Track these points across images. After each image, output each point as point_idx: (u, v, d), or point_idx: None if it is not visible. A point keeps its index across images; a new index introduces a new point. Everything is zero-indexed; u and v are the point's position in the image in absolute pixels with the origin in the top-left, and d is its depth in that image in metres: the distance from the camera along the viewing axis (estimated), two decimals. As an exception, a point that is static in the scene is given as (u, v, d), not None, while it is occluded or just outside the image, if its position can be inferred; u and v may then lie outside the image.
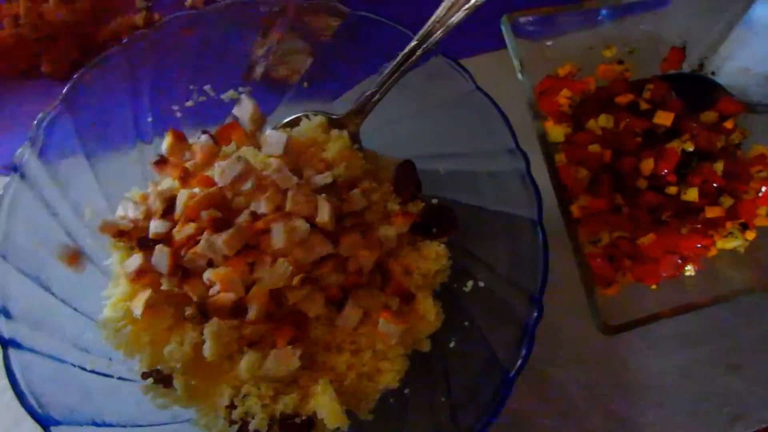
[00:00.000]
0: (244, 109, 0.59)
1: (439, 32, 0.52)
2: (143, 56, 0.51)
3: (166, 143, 0.56)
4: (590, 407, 0.68)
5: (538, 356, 0.68)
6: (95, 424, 0.47)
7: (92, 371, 0.51)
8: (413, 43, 0.53)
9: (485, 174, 0.57)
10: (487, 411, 0.47)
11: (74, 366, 0.50)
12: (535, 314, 0.49)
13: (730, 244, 0.66)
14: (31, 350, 0.48)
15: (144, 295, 0.54)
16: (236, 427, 0.54)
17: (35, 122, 0.48)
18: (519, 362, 0.48)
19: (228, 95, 0.60)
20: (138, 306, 0.53)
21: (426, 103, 0.58)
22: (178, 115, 0.59)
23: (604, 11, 0.68)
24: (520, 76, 0.61)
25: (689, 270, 0.64)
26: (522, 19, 0.62)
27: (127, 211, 0.55)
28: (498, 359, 0.51)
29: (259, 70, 0.59)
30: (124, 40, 0.49)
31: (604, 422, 0.68)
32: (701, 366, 0.71)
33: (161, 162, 0.57)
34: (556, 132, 0.65)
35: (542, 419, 0.67)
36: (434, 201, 0.59)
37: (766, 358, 0.72)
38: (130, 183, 0.58)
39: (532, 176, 0.52)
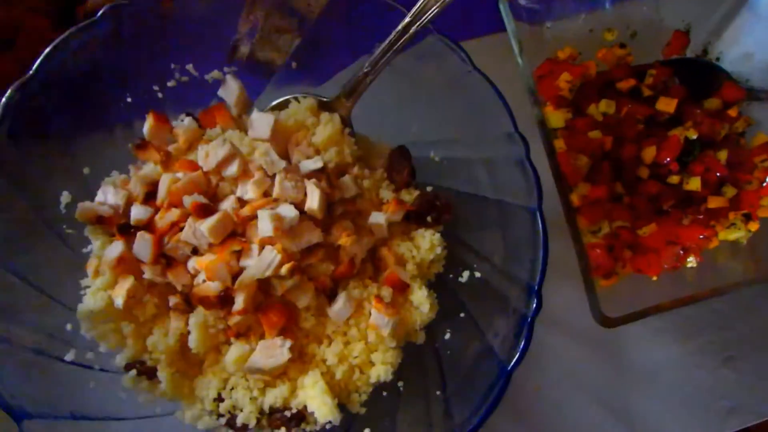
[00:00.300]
0: (230, 91, 0.56)
1: (434, 8, 0.49)
2: (119, 30, 0.48)
3: (147, 126, 0.54)
4: (586, 398, 0.67)
5: (534, 347, 0.68)
6: (73, 417, 0.45)
7: (72, 362, 0.49)
8: (406, 20, 0.50)
9: (483, 160, 0.55)
10: (483, 406, 0.46)
11: (52, 357, 0.48)
12: (534, 307, 0.48)
13: (733, 235, 0.64)
14: (6, 341, 0.46)
15: (126, 284, 0.51)
16: (223, 420, 0.52)
17: (3, 100, 0.45)
18: (517, 356, 0.47)
19: (212, 75, 0.57)
20: (119, 296, 0.51)
21: (420, 85, 0.56)
22: (160, 95, 0.56)
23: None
24: (519, 59, 0.58)
25: (690, 261, 0.62)
26: (521, 1, 0.60)
27: (106, 197, 0.53)
28: (494, 352, 0.49)
29: (244, 50, 0.56)
30: (99, 12, 0.46)
31: (600, 414, 0.67)
32: (698, 358, 0.70)
33: (142, 145, 0.54)
34: (556, 117, 0.63)
35: (538, 410, 0.66)
36: (429, 189, 0.57)
37: (763, 351, 0.71)
38: (110, 168, 0.55)
39: (531, 162, 0.50)
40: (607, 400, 0.68)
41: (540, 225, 0.49)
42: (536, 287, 0.48)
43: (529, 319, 0.47)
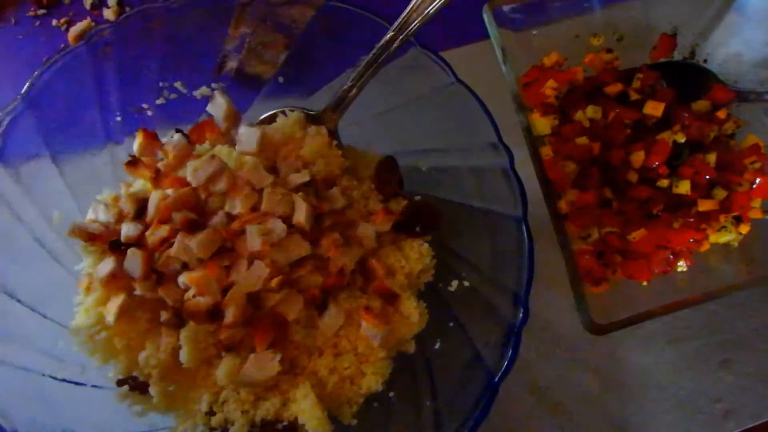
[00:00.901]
0: (218, 106, 0.56)
1: (416, 22, 0.49)
2: (108, 51, 0.49)
3: (137, 143, 0.54)
4: (581, 405, 0.67)
5: (528, 354, 0.68)
6: (65, 434, 0.46)
7: (64, 380, 0.50)
8: (390, 34, 0.51)
9: (468, 170, 0.55)
10: (471, 417, 0.46)
11: (44, 375, 0.48)
12: (521, 316, 0.48)
13: (724, 238, 0.64)
14: (-1, 360, 0.47)
15: (117, 300, 0.52)
16: (215, 433, 0.52)
17: (-7, 123, 0.46)
18: (505, 366, 0.47)
19: (200, 92, 0.58)
20: (111, 312, 0.51)
21: (405, 97, 0.56)
22: (149, 113, 0.57)
23: (591, -2, 0.66)
24: (503, 66, 0.59)
25: (681, 266, 0.62)
26: (505, 7, 0.60)
27: (97, 214, 0.53)
28: (483, 361, 0.49)
29: (231, 65, 0.57)
30: (89, 34, 0.47)
31: (596, 420, 0.67)
32: (693, 361, 0.70)
33: (133, 162, 0.55)
34: (543, 124, 0.63)
35: (532, 418, 0.66)
36: (417, 198, 0.57)
37: (759, 353, 0.71)
38: (101, 185, 0.56)
39: (515, 171, 0.50)
40: (602, 406, 0.67)
41: (525, 234, 0.49)
42: (523, 296, 0.48)
43: (517, 329, 0.47)
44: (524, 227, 0.49)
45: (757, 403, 0.69)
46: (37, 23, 0.72)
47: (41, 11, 0.72)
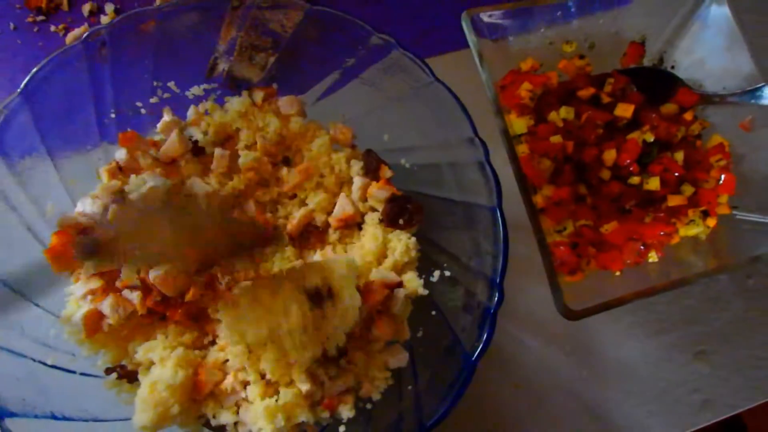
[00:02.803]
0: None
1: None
2: (104, 51, 0.52)
3: (121, 153, 0.57)
4: (560, 395, 0.69)
5: (509, 344, 0.70)
6: (54, 417, 0.47)
7: (54, 366, 0.51)
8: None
9: (448, 165, 0.58)
10: (449, 396, 0.48)
11: (35, 361, 0.49)
12: (496, 299, 0.50)
13: (692, 231, 0.67)
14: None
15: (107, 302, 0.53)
16: (202, 420, 0.53)
17: (-10, 119, 0.48)
18: (480, 347, 0.49)
19: (192, 92, 0.60)
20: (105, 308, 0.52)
21: (389, 96, 0.59)
22: (143, 111, 0.59)
23: (566, 7, 0.70)
24: (481, 71, 0.62)
25: (652, 257, 0.65)
26: (482, 15, 0.64)
27: (84, 207, 0.55)
28: (461, 345, 0.51)
29: (222, 67, 0.60)
30: (84, 36, 0.50)
31: (575, 410, 0.69)
32: (670, 352, 0.72)
33: (115, 170, 0.57)
34: (519, 124, 0.67)
35: (512, 406, 0.67)
36: (400, 193, 0.60)
37: (733, 344, 0.73)
38: (95, 181, 0.58)
39: (491, 164, 0.53)
40: (583, 396, 0.69)
41: (500, 222, 0.51)
42: (498, 280, 0.50)
43: (492, 311, 0.50)
44: (499, 215, 0.52)
45: (733, 394, 0.72)
46: (36, 29, 0.75)
47: (40, 17, 0.75)
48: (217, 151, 0.59)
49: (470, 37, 0.63)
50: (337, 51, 0.58)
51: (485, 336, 0.49)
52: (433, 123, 0.57)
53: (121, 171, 0.59)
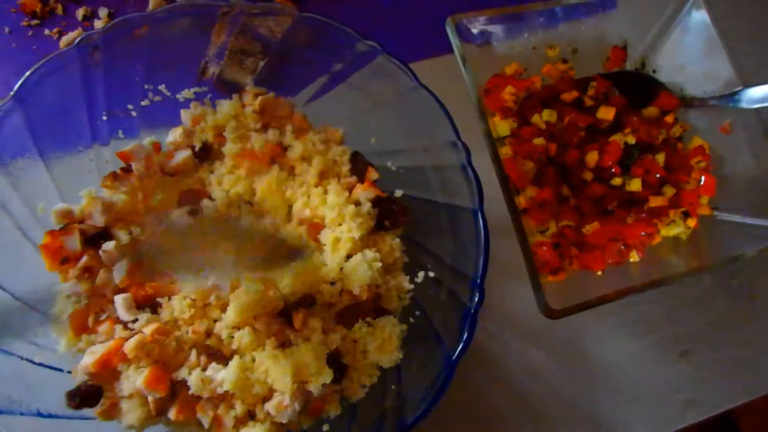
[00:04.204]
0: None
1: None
2: (96, 55, 0.53)
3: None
4: (548, 394, 0.69)
5: (494, 345, 0.71)
6: (40, 415, 0.48)
7: (41, 364, 0.52)
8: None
9: (432, 168, 0.60)
10: (429, 396, 0.49)
11: (22, 359, 0.50)
12: (477, 299, 0.51)
13: (673, 231, 0.68)
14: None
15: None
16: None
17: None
18: (460, 347, 0.50)
19: (183, 95, 0.62)
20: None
21: (374, 100, 0.61)
22: (134, 114, 0.61)
23: (549, 14, 0.72)
24: (465, 75, 0.64)
25: (634, 257, 0.66)
26: (466, 21, 0.66)
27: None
28: (443, 345, 0.52)
29: (213, 71, 0.61)
30: (77, 40, 0.51)
31: (562, 408, 0.70)
32: (654, 353, 0.73)
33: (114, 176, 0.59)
34: (503, 126, 0.68)
35: (497, 406, 0.68)
36: (385, 195, 0.61)
37: (717, 344, 0.74)
38: (86, 183, 0.59)
39: (472, 166, 0.54)
40: (568, 396, 0.70)
41: (481, 224, 0.53)
42: (479, 281, 0.51)
43: (472, 312, 0.51)
44: (480, 217, 0.53)
45: (716, 393, 0.73)
46: (31, 33, 0.76)
47: (35, 21, 0.76)
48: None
49: (454, 42, 0.65)
50: (325, 56, 0.59)
51: (465, 336, 0.50)
52: (417, 126, 0.58)
53: (116, 179, 0.60)
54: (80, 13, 0.77)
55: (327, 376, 0.51)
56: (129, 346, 0.51)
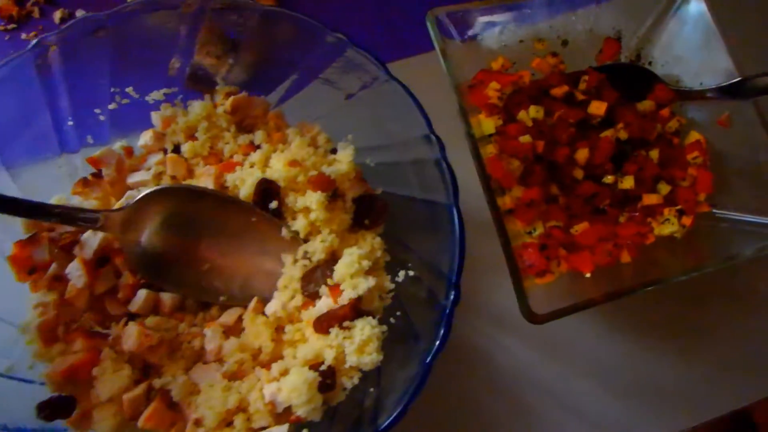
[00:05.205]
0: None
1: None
2: (55, 57, 0.51)
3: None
4: (541, 396, 0.67)
5: (484, 343, 0.68)
6: (6, 429, 0.46)
7: (9, 377, 0.50)
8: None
9: (410, 163, 0.57)
10: (404, 398, 0.46)
11: (-12, 371, 0.49)
12: (452, 298, 0.49)
13: (667, 230, 0.65)
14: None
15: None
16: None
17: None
18: (435, 348, 0.47)
19: (152, 96, 0.60)
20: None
21: (347, 96, 0.58)
22: (102, 118, 0.59)
23: (535, 5, 0.69)
24: (446, 71, 0.61)
25: (625, 257, 0.63)
26: (448, 15, 0.63)
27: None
28: (421, 345, 0.50)
29: (180, 69, 0.59)
30: (34, 42, 0.49)
31: (556, 411, 0.67)
32: (650, 354, 0.70)
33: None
34: (487, 124, 0.65)
35: (487, 405, 0.66)
36: (364, 192, 0.59)
37: (715, 346, 0.71)
38: (57, 191, 0.58)
39: (447, 161, 0.52)
40: (561, 397, 0.67)
41: (456, 220, 0.50)
42: (455, 279, 0.49)
43: (448, 311, 0.48)
44: (455, 214, 0.50)
45: (714, 396, 0.69)
46: (8, 37, 0.75)
47: (11, 26, 0.75)
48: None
49: (434, 37, 0.62)
50: (295, 51, 0.57)
51: (440, 336, 0.47)
52: (392, 121, 0.56)
53: (87, 185, 0.59)
54: (57, 15, 0.76)
55: (317, 404, 0.49)
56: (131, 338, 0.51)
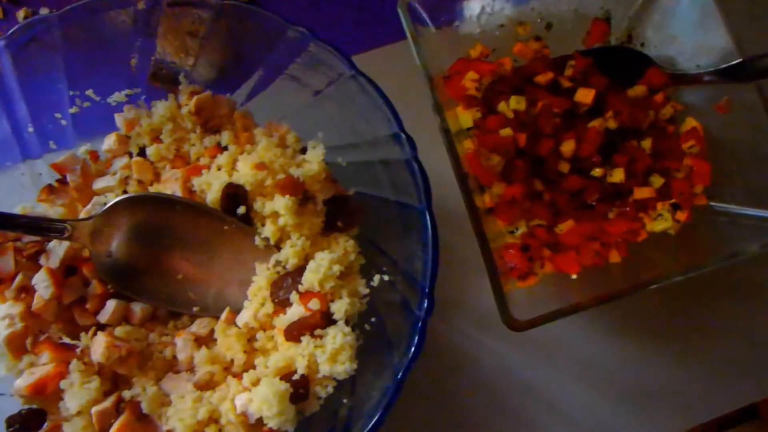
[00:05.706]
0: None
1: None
2: (5, 63, 0.49)
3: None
4: (530, 399, 0.65)
5: (469, 346, 0.66)
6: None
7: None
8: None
9: (380, 163, 0.54)
10: (378, 410, 0.44)
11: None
12: (426, 307, 0.46)
13: (660, 226, 0.61)
14: None
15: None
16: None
17: None
18: (407, 362, 0.45)
19: (114, 98, 0.58)
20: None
21: (314, 92, 0.56)
22: (64, 123, 0.57)
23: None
24: (418, 62, 0.58)
25: (614, 257, 0.60)
26: (419, 2, 0.59)
27: None
28: (394, 354, 0.48)
29: (143, 69, 0.57)
30: (-20, 48, 0.48)
31: (545, 414, 0.65)
32: (647, 354, 0.67)
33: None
34: (465, 117, 0.62)
35: (475, 410, 0.64)
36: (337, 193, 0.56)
37: (714, 345, 0.68)
38: (20, 200, 0.57)
39: (419, 161, 0.49)
40: (550, 400, 0.65)
41: (429, 225, 0.47)
42: (427, 288, 0.46)
43: (420, 323, 0.46)
44: (428, 219, 0.47)
45: (711, 399, 0.67)
46: (-25, 41, 0.73)
47: (-23, 28, 0.73)
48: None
49: (405, 24, 0.58)
50: (257, 46, 0.54)
51: (413, 350, 0.45)
52: (360, 119, 0.53)
53: (52, 192, 0.58)
54: (21, 15, 0.73)
55: (289, 416, 0.48)
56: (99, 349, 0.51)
